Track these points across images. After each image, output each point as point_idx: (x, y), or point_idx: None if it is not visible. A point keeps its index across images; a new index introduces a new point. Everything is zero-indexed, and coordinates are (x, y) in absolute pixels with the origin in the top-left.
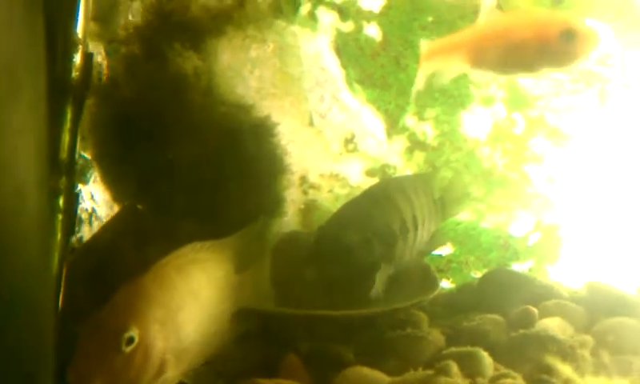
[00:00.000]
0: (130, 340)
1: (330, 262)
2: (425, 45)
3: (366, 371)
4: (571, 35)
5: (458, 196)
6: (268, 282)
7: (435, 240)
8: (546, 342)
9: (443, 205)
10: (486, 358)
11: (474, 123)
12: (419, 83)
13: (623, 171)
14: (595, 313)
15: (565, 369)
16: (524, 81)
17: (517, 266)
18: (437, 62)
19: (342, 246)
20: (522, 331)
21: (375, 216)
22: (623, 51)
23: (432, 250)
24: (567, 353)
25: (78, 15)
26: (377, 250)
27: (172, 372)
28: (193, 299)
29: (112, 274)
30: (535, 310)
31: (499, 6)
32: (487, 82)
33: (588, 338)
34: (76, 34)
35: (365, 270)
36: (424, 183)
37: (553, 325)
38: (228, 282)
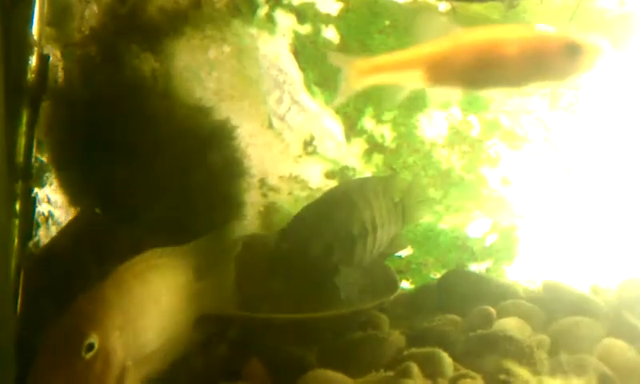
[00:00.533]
0: (90, 346)
1: (289, 267)
2: (362, 61)
3: (329, 374)
4: (576, 49)
5: (417, 200)
6: (231, 287)
7: (396, 242)
8: (504, 342)
9: (403, 208)
10: (446, 359)
11: (431, 126)
12: (342, 97)
13: (577, 171)
14: (552, 312)
15: (522, 371)
16: None
17: (475, 267)
18: (378, 78)
19: (302, 250)
20: (480, 331)
21: (334, 219)
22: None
23: (393, 253)
24: (525, 353)
25: (33, 18)
26: (336, 254)
27: (132, 378)
28: (153, 305)
29: (70, 279)
30: (493, 311)
31: (453, 11)
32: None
33: (545, 338)
34: (31, 36)
35: (325, 273)
36: (383, 186)
37: (511, 325)
38: (189, 289)
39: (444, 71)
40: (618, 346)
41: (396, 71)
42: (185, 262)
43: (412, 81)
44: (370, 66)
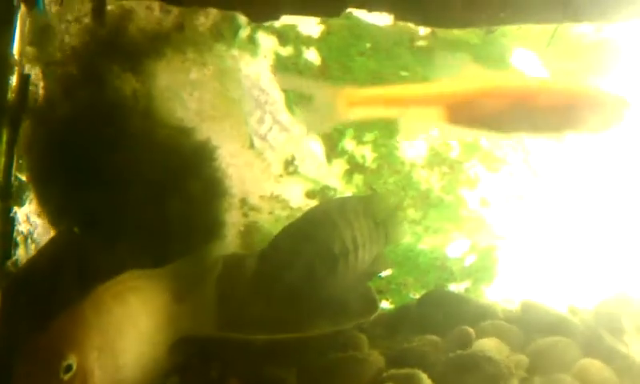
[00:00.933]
0: (69, 368)
1: (270, 287)
2: (353, 92)
3: None
4: (608, 104)
5: (399, 220)
6: (212, 309)
7: (379, 262)
8: (483, 363)
9: (386, 227)
10: (425, 380)
11: (412, 147)
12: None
13: (555, 193)
14: (530, 332)
15: None
16: None
17: (454, 287)
18: (371, 111)
19: (282, 269)
20: (459, 352)
21: (315, 238)
22: (555, 78)
23: (377, 273)
24: (504, 373)
25: (14, 37)
26: (317, 272)
27: None
28: (131, 327)
29: (49, 299)
30: (472, 331)
31: (433, 35)
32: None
33: (523, 358)
34: (12, 55)
35: (306, 292)
36: (364, 205)
37: (489, 345)
38: (167, 311)
39: (468, 113)
40: (595, 365)
41: (405, 106)
42: (164, 284)
43: (424, 117)
44: (363, 97)
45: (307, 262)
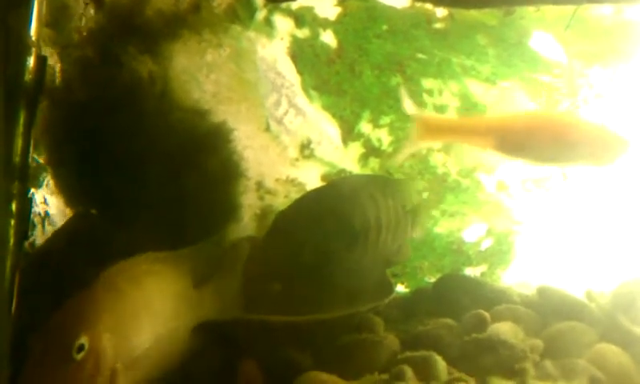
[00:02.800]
0: (81, 348)
1: (282, 263)
2: (428, 120)
3: (323, 376)
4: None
5: (429, 210)
6: (237, 292)
7: (401, 251)
8: (498, 346)
9: (413, 216)
10: (440, 363)
11: None
12: (402, 157)
13: (572, 177)
14: (546, 316)
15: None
16: (475, 89)
17: (470, 271)
18: (438, 139)
19: (295, 242)
20: (474, 335)
21: (335, 211)
22: (571, 61)
23: (398, 262)
24: (519, 357)
25: (31, 19)
26: (334, 247)
27: (122, 380)
28: (144, 309)
29: (66, 280)
30: (487, 315)
31: (451, 17)
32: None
33: (538, 342)
34: (29, 37)
35: (319, 267)
36: (394, 188)
37: (504, 329)
38: (185, 296)
39: (516, 144)
40: (611, 350)
41: (465, 136)
42: (182, 268)
43: (478, 146)
44: (439, 125)
45: (324, 235)
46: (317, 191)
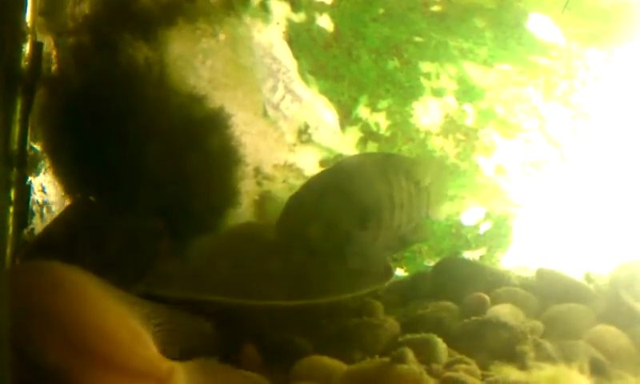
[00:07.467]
0: None
1: (289, 240)
2: None
3: (324, 360)
4: None
5: (443, 191)
6: None
7: (418, 232)
8: (498, 328)
9: (429, 196)
10: (441, 344)
11: (426, 114)
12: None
13: (571, 160)
14: (545, 299)
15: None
16: (473, 73)
17: (469, 255)
18: None
19: (303, 219)
20: (474, 318)
21: (345, 188)
22: (568, 43)
23: (414, 242)
24: (519, 338)
25: (26, 6)
26: (343, 225)
27: None
28: None
29: None
30: (487, 297)
31: (448, 0)
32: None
33: (538, 324)
34: (25, 23)
35: (327, 245)
36: (409, 166)
37: (504, 311)
38: None
39: None
40: (611, 331)
41: None
42: None
43: None
44: None
45: (332, 212)
46: (328, 171)
